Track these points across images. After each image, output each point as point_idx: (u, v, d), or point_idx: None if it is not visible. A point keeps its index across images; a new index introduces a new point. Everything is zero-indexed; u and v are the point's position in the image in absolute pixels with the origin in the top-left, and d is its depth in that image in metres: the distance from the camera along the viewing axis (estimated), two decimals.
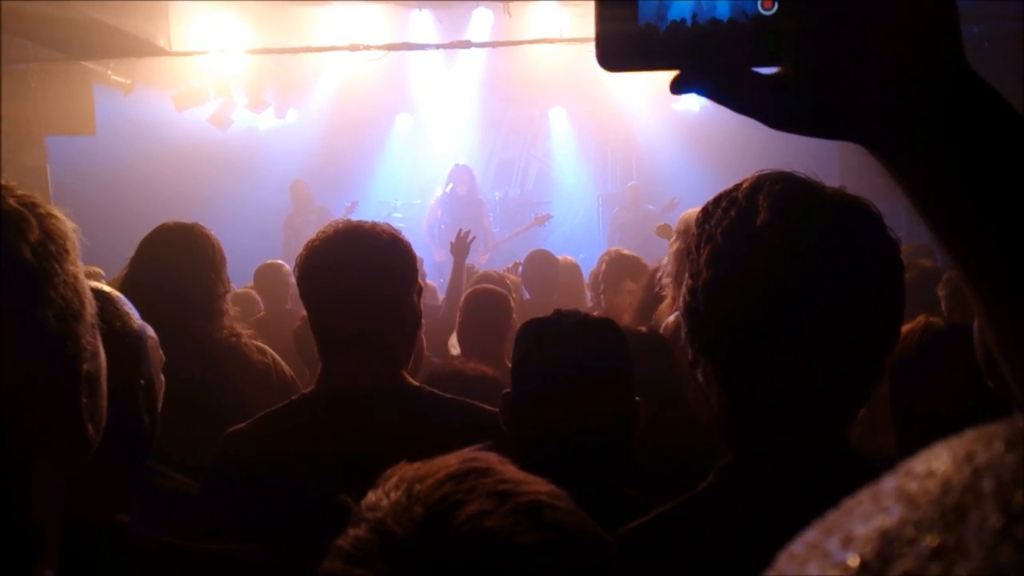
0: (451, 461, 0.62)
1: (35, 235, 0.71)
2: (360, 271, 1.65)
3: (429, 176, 9.66)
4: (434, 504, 0.57)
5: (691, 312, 1.02)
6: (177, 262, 2.35)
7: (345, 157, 9.87)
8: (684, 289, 1.04)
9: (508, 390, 1.58)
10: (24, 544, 0.72)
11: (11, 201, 0.72)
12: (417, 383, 1.71)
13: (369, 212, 8.92)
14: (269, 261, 4.70)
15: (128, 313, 1.27)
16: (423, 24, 7.80)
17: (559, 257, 4.91)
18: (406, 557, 0.55)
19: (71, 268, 0.74)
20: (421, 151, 10.30)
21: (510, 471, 0.62)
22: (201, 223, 2.53)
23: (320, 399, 1.66)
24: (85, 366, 0.75)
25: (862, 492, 0.28)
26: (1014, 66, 5.16)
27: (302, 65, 8.52)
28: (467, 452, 0.63)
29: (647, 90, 9.21)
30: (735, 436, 1.04)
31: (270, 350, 2.67)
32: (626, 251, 4.25)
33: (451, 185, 8.54)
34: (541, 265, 4.71)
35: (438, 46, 7.56)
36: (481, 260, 7.65)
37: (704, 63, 0.54)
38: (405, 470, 0.62)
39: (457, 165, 8.65)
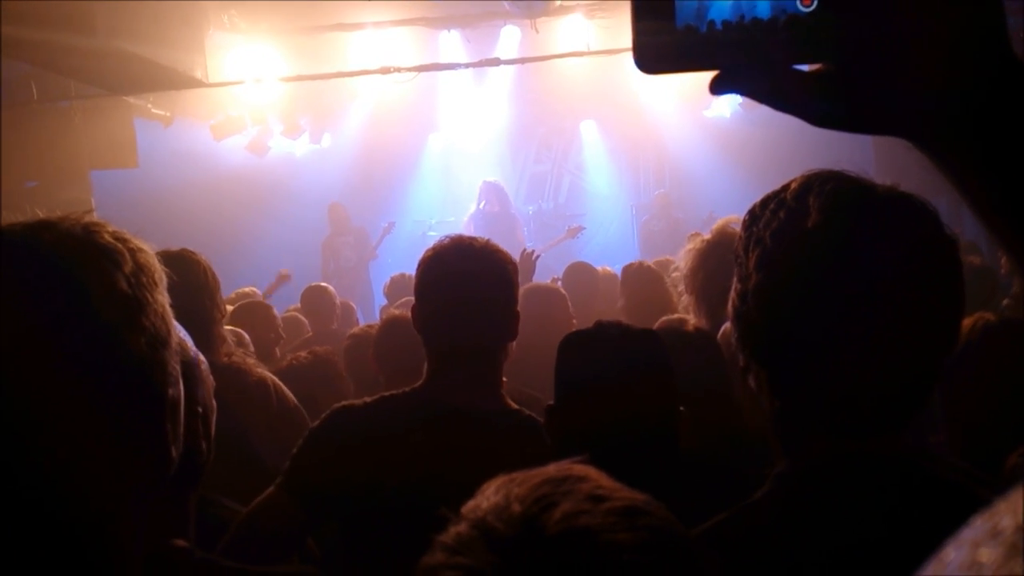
0: (549, 469, 0.64)
1: (129, 267, 0.76)
2: (487, 285, 1.71)
3: (462, 193, 9.71)
4: (532, 503, 0.59)
5: (741, 317, 1.00)
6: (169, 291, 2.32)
7: (379, 178, 9.97)
8: (733, 294, 1.03)
9: (551, 403, 1.59)
10: (114, 568, 0.75)
11: (106, 236, 0.76)
12: (516, 406, 1.74)
13: (405, 231, 9.01)
14: (315, 283, 4.80)
15: (184, 340, 1.32)
16: (452, 45, 7.88)
17: (598, 268, 4.91)
18: (506, 549, 0.57)
19: (160, 298, 0.78)
20: (454, 169, 10.37)
21: (605, 479, 0.63)
22: (192, 249, 2.45)
23: (427, 401, 1.69)
24: (170, 391, 0.79)
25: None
26: None
27: (335, 90, 8.66)
28: (565, 462, 0.65)
29: (677, 98, 9.19)
30: (789, 442, 1.01)
31: (270, 375, 2.64)
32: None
33: (483, 202, 8.58)
34: (580, 276, 4.71)
35: (467, 65, 7.62)
36: None
37: (745, 63, 0.53)
38: (503, 479, 0.64)
39: (486, 182, 8.69)
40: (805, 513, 0.97)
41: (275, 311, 4.01)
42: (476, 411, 1.65)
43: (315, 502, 1.62)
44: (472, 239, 1.77)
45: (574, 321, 3.21)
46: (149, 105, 7.60)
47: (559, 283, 5.01)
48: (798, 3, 0.53)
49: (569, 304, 3.27)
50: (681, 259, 2.49)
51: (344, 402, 1.75)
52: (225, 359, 2.43)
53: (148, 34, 5.86)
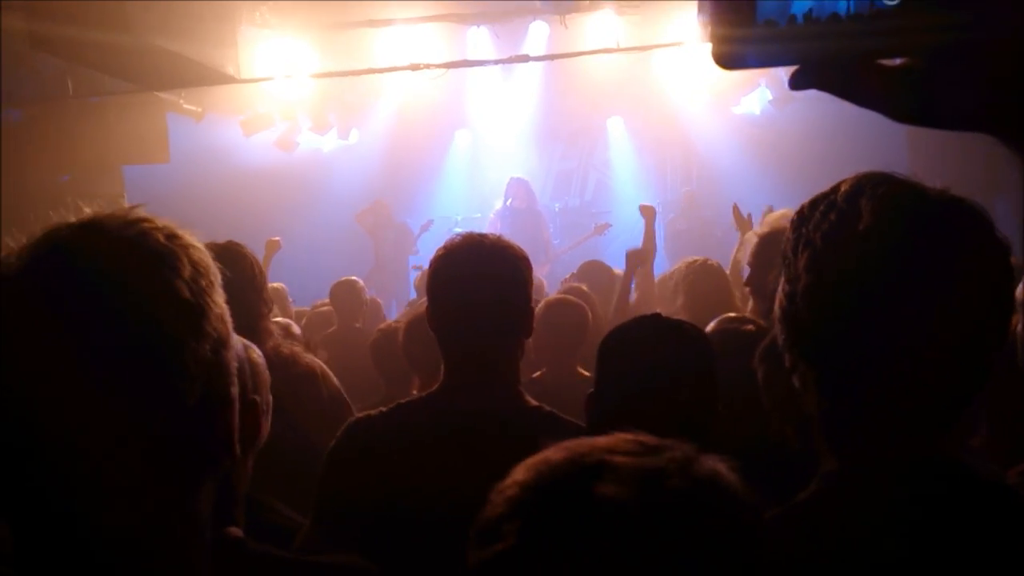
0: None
1: (188, 271, 0.75)
2: (499, 283, 1.68)
3: (489, 190, 9.73)
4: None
5: (790, 317, 1.00)
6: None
7: (406, 174, 10.02)
8: (780, 294, 1.03)
9: (592, 391, 1.61)
10: (190, 555, 0.76)
11: (160, 238, 0.76)
12: (535, 403, 1.73)
13: (432, 227, 9.06)
14: (344, 278, 4.75)
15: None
16: (481, 40, 7.89)
17: (615, 270, 4.88)
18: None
19: (219, 299, 0.78)
20: (481, 165, 10.39)
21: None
22: (241, 242, 2.46)
23: (444, 406, 1.68)
24: (232, 391, 0.80)
25: None
26: None
27: (363, 87, 8.70)
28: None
29: (707, 94, 9.13)
30: (836, 442, 1.01)
31: (319, 363, 2.65)
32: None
33: (510, 199, 8.59)
34: (594, 275, 4.69)
35: (496, 62, 7.62)
36: (542, 271, 7.67)
37: (828, 58, 0.53)
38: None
39: (513, 178, 8.71)
40: (853, 513, 0.97)
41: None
42: (493, 411, 1.64)
43: (348, 528, 1.60)
44: (483, 236, 1.75)
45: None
46: (181, 101, 7.68)
47: (574, 281, 4.99)
48: None
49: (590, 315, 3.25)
50: (743, 255, 2.50)
51: (359, 415, 1.74)
52: (271, 350, 2.43)
53: (181, 31, 5.92)
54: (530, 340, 1.78)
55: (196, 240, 0.81)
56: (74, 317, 0.71)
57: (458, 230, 9.71)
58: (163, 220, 0.80)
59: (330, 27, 7.56)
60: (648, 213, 4.74)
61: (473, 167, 10.51)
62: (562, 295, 3.58)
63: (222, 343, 0.78)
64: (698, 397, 1.56)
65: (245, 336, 2.32)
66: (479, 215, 9.71)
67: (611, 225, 8.74)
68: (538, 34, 7.95)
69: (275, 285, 4.48)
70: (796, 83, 0.54)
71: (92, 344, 0.71)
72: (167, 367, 0.73)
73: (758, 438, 2.02)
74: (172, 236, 0.78)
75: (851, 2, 0.52)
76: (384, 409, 1.71)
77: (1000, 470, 1.35)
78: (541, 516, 0.68)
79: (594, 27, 7.54)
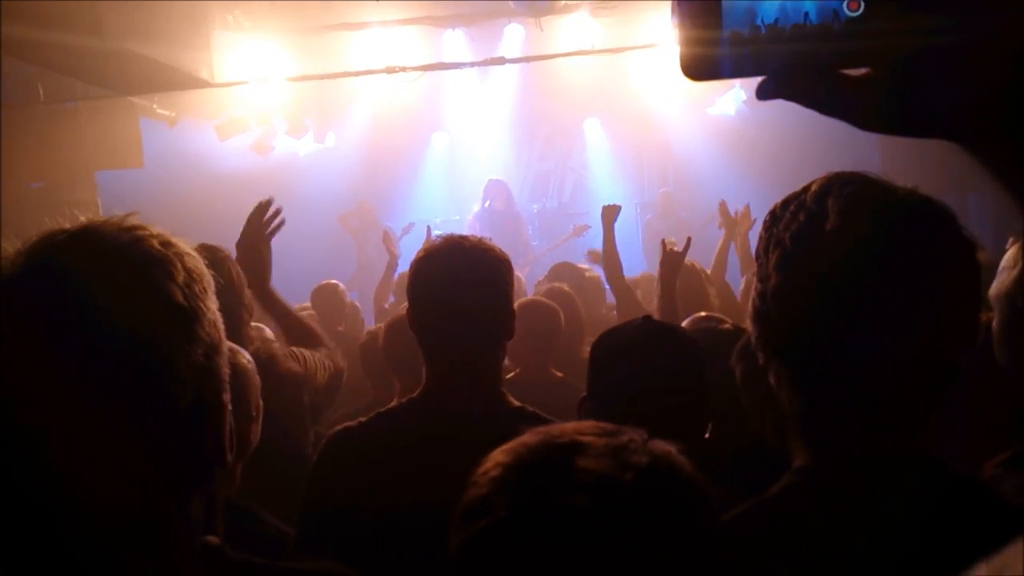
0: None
1: (181, 276, 0.76)
2: (478, 285, 1.68)
3: (467, 192, 9.73)
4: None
5: (761, 316, 1.02)
6: None
7: (384, 177, 9.98)
8: (753, 293, 1.04)
9: (585, 394, 1.64)
10: (179, 561, 0.76)
11: (155, 244, 0.77)
12: (518, 403, 1.73)
13: (412, 229, 9.04)
14: (325, 282, 4.74)
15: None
16: (456, 43, 7.89)
17: (585, 272, 4.85)
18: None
19: (212, 305, 0.79)
20: (458, 168, 10.38)
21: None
22: (221, 245, 2.44)
23: (426, 410, 1.67)
24: (224, 396, 0.80)
25: None
26: None
27: (339, 90, 8.67)
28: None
29: (681, 96, 9.19)
30: (809, 439, 1.03)
31: (306, 354, 2.61)
32: None
33: (488, 201, 8.59)
34: (566, 277, 4.64)
35: (472, 64, 7.62)
36: (522, 272, 7.68)
37: (792, 67, 0.53)
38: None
39: (492, 180, 8.71)
40: (823, 507, 0.99)
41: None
42: (477, 413, 1.63)
43: (334, 541, 1.57)
44: (464, 238, 1.74)
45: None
46: (154, 105, 7.62)
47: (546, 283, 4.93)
48: (845, 7, 0.52)
49: (562, 317, 3.26)
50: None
51: (339, 426, 1.72)
52: (255, 352, 2.43)
53: (153, 34, 5.87)
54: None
55: (190, 248, 0.82)
56: (67, 320, 0.71)
57: (437, 232, 9.68)
58: (157, 228, 0.81)
59: (305, 30, 7.53)
60: (606, 215, 4.68)
61: (451, 169, 10.50)
62: (535, 297, 3.58)
63: (215, 349, 0.79)
64: (690, 400, 1.58)
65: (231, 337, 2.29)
66: (457, 217, 9.69)
67: (589, 227, 8.74)
68: (514, 36, 7.97)
69: None
70: (762, 93, 0.54)
71: (84, 347, 0.71)
72: (160, 370, 0.74)
73: (739, 437, 2.04)
74: (167, 243, 0.79)
75: (816, 12, 0.53)
76: (364, 419, 1.71)
77: (977, 466, 1.37)
78: (528, 489, 0.75)
79: (569, 29, 7.56)
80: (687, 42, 0.54)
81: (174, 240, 0.80)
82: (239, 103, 8.19)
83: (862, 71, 0.53)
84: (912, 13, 0.50)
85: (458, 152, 10.46)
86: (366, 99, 9.28)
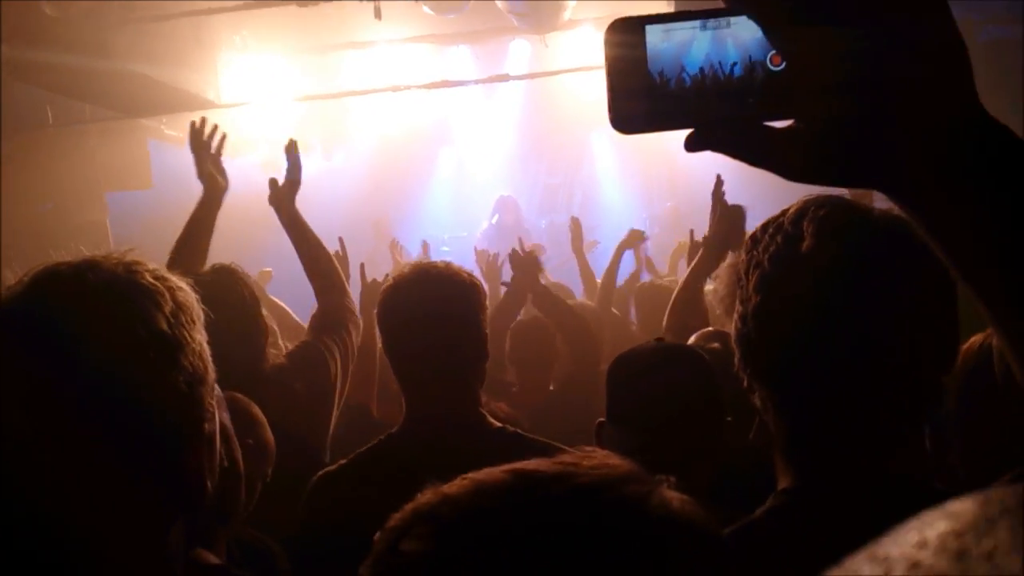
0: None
1: (169, 307, 0.80)
2: (450, 323, 1.67)
3: (475, 208, 9.76)
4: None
5: (742, 338, 1.02)
6: (214, 317, 2.15)
7: (392, 194, 10.03)
8: (735, 316, 1.04)
9: (602, 419, 1.63)
10: None
11: (147, 277, 0.81)
12: (500, 423, 1.73)
13: (417, 246, 9.08)
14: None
15: None
16: (462, 60, 7.93)
17: (575, 303, 4.72)
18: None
19: (198, 336, 0.82)
20: (466, 184, 10.42)
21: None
22: (238, 265, 2.47)
23: (409, 444, 1.67)
24: (206, 426, 0.81)
25: (872, 548, 0.28)
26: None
27: (346, 108, 8.72)
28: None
29: None
30: (792, 460, 1.03)
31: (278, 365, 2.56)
32: None
33: (496, 216, 8.61)
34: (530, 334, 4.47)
35: (477, 81, 7.67)
36: None
37: (718, 121, 0.54)
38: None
39: (502, 196, 8.74)
40: (805, 530, 0.98)
41: None
42: (458, 439, 1.62)
43: None
44: (432, 268, 1.75)
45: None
46: (163, 127, 7.68)
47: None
48: (768, 62, 0.54)
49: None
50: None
51: (321, 472, 1.72)
52: (269, 368, 2.41)
53: (161, 56, 5.94)
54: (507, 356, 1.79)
55: (185, 285, 0.86)
56: (58, 347, 0.76)
57: (445, 249, 9.68)
58: (155, 264, 0.86)
59: (311, 50, 7.59)
60: (631, 238, 4.64)
61: (459, 186, 10.53)
62: (531, 318, 3.57)
63: (199, 379, 0.82)
64: (708, 420, 1.58)
65: (249, 362, 2.26)
66: (465, 234, 9.72)
67: (599, 243, 8.74)
68: (519, 52, 8.00)
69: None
70: (690, 146, 0.55)
71: (72, 371, 0.75)
72: (140, 394, 0.77)
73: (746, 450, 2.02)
74: (161, 277, 0.84)
75: (740, 66, 0.54)
76: (344, 461, 1.72)
77: (968, 487, 1.35)
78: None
79: (574, 44, 7.58)
80: (615, 96, 0.55)
81: (168, 276, 0.84)
82: (247, 123, 8.25)
83: (787, 123, 0.54)
84: (832, 70, 0.51)
85: (466, 168, 10.50)
86: (374, 116, 9.33)
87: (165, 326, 0.79)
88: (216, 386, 1.35)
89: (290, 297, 5.99)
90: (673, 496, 0.61)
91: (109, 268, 0.81)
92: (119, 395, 0.76)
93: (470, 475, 0.63)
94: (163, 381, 0.78)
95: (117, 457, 0.76)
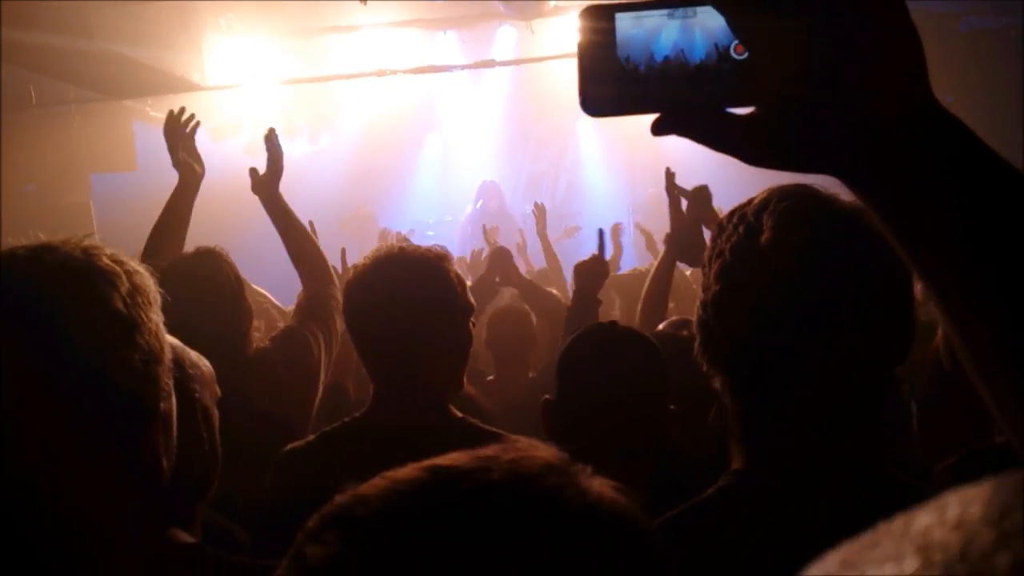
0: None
1: (125, 287, 0.81)
2: (409, 306, 1.64)
3: (460, 194, 9.76)
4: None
5: (702, 325, 1.06)
6: (199, 298, 2.15)
7: (377, 178, 10.01)
8: (697, 303, 1.09)
9: (548, 396, 1.65)
10: (114, 564, 0.80)
11: (104, 259, 0.82)
12: (461, 415, 1.73)
13: (403, 230, 9.08)
14: None
15: (183, 354, 1.36)
16: (449, 46, 7.91)
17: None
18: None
19: (155, 317, 0.84)
20: (452, 169, 10.41)
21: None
22: (222, 248, 2.45)
23: (373, 427, 1.68)
24: (162, 405, 0.84)
25: (882, 529, 0.27)
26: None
27: (332, 92, 8.68)
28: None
29: None
30: (746, 443, 1.06)
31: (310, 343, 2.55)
32: None
33: (480, 201, 8.63)
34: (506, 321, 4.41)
35: (464, 67, 7.65)
36: None
37: (683, 106, 0.57)
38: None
39: (485, 181, 8.75)
40: (752, 510, 1.02)
41: None
42: (419, 428, 1.60)
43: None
44: (401, 252, 1.70)
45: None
46: (148, 108, 7.63)
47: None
48: (732, 51, 0.56)
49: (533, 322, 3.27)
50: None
51: (288, 447, 1.71)
52: (252, 353, 2.40)
53: (145, 38, 5.90)
54: (483, 344, 1.79)
55: (143, 269, 0.87)
56: (14, 326, 0.77)
57: (430, 234, 9.64)
58: (111, 248, 0.87)
59: (297, 33, 7.55)
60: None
61: (444, 171, 10.52)
62: (507, 305, 3.63)
63: (155, 358, 0.83)
64: (654, 404, 1.61)
65: (234, 343, 2.26)
66: (450, 218, 9.73)
67: (581, 228, 8.77)
68: (506, 38, 7.99)
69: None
70: (656, 129, 0.57)
71: (27, 349, 0.76)
72: (97, 371, 0.78)
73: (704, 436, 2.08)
74: (118, 260, 0.85)
75: (704, 53, 0.56)
76: (312, 438, 1.74)
77: (922, 473, 1.40)
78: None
79: (560, 30, 7.58)
80: (586, 80, 0.57)
81: (126, 259, 0.85)
82: (232, 105, 8.20)
83: (750, 110, 0.56)
84: (793, 60, 0.53)
85: (451, 154, 10.48)
86: (360, 100, 9.30)
87: (121, 305, 0.81)
88: (209, 365, 1.38)
89: (271, 282, 5.99)
90: (593, 486, 0.58)
91: (66, 251, 0.83)
92: (74, 371, 0.78)
93: (388, 473, 0.61)
94: (118, 358, 0.79)
95: (71, 432, 0.78)
